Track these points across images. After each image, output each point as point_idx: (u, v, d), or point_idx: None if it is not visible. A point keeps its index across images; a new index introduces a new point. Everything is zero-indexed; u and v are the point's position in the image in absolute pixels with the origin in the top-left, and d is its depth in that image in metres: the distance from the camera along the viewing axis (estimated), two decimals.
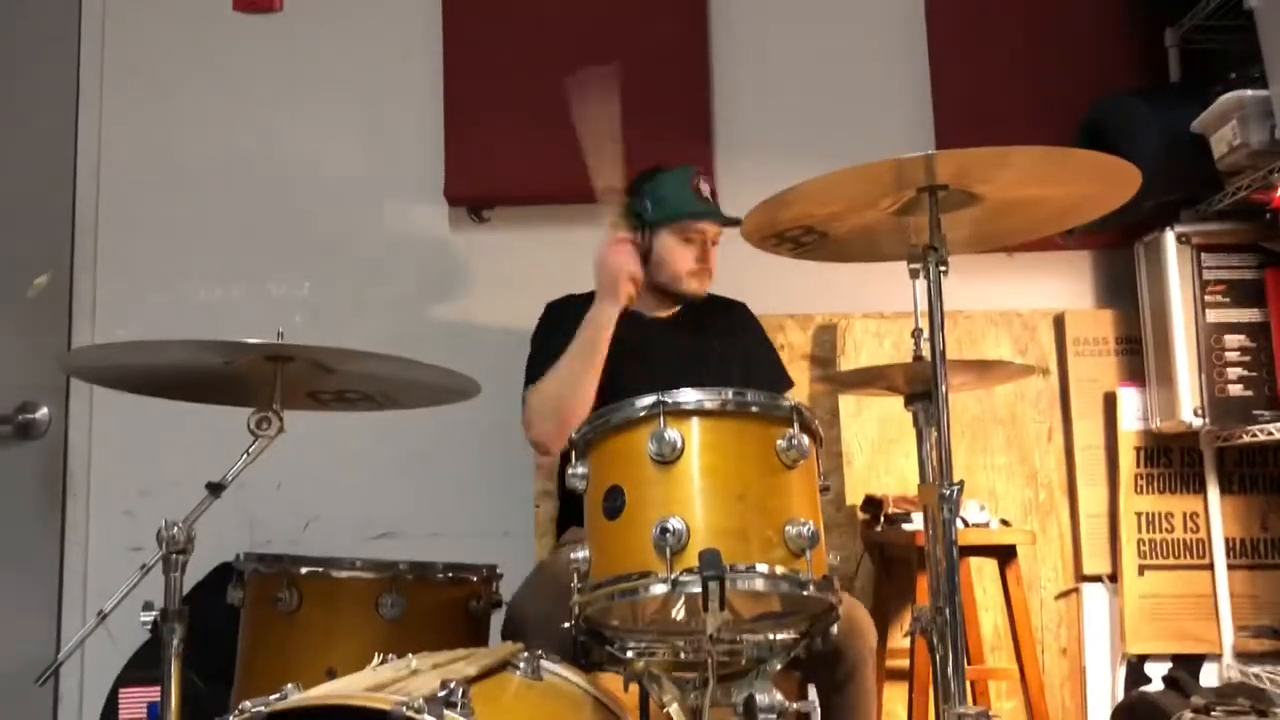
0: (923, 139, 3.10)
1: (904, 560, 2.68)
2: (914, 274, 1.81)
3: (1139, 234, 2.95)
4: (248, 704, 1.34)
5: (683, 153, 3.00)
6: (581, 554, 1.59)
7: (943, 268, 1.77)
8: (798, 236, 1.92)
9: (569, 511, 2.51)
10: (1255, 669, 2.73)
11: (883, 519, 2.70)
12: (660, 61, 3.14)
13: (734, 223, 2.42)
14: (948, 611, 1.69)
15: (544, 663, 1.65)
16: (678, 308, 2.57)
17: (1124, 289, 3.06)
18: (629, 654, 1.61)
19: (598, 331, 2.31)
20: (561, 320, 2.48)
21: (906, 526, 2.62)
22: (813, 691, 1.55)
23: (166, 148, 3.20)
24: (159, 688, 1.68)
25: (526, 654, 1.64)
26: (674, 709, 1.58)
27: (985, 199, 1.79)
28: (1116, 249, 3.09)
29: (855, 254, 2.03)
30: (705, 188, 2.48)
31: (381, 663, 1.60)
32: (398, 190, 3.20)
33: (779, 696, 1.51)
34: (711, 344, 2.52)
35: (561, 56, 3.14)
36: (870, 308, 3.06)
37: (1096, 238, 3.06)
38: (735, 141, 3.17)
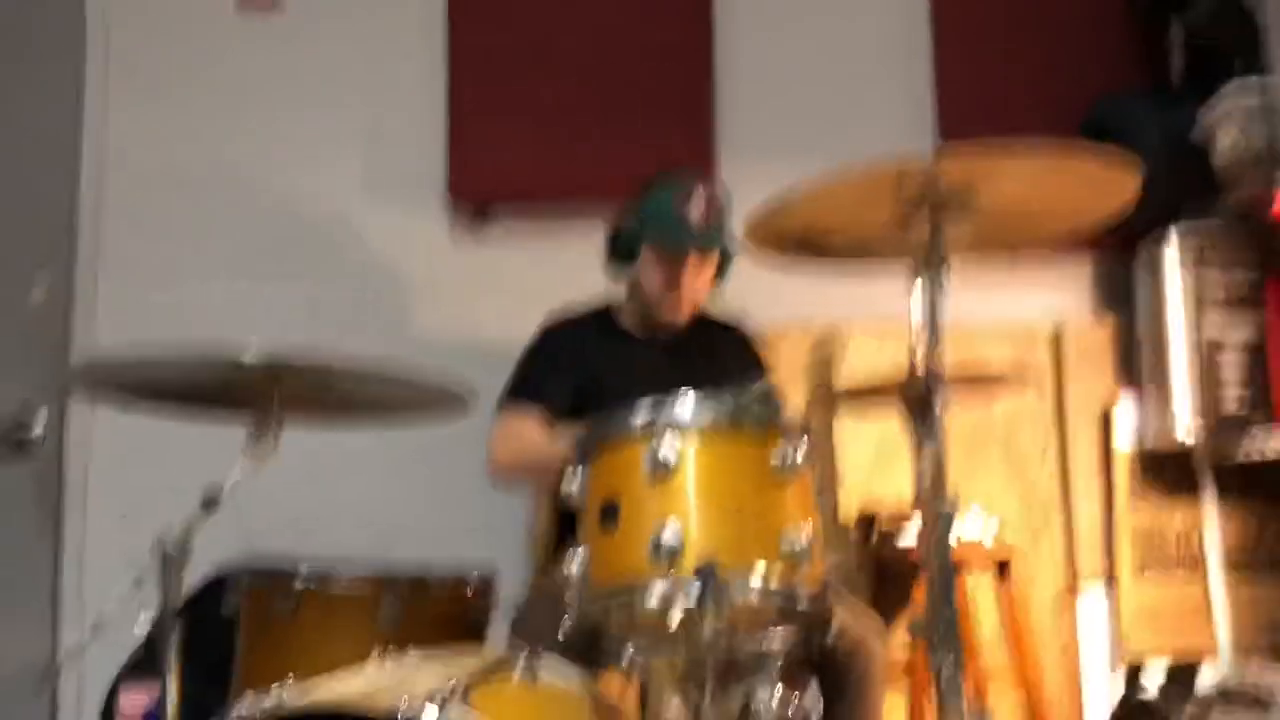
0: (925, 140, 3.10)
1: (899, 576, 2.66)
2: (913, 285, 1.80)
3: (1138, 242, 2.94)
4: (246, 703, 1.34)
5: (685, 152, 3.02)
6: (577, 567, 1.59)
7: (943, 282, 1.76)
8: (794, 242, 1.91)
9: (564, 521, 2.51)
10: (1252, 674, 2.72)
11: (875, 536, 2.69)
12: (663, 61, 3.15)
13: (712, 249, 2.38)
14: (941, 629, 1.69)
15: (543, 664, 1.65)
16: (675, 331, 2.54)
17: (1122, 299, 3.06)
18: (628, 655, 1.62)
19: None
20: (551, 347, 2.49)
21: (899, 543, 2.61)
22: (813, 691, 1.56)
23: (168, 149, 3.19)
24: (156, 695, 1.68)
25: (525, 655, 1.64)
26: (672, 710, 1.59)
27: (986, 204, 1.77)
28: (1115, 257, 3.09)
29: (852, 255, 2.02)
30: (697, 209, 2.31)
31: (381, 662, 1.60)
32: (400, 190, 3.20)
33: (779, 697, 1.52)
34: (700, 369, 2.48)
35: (565, 56, 3.15)
36: (869, 317, 3.04)
37: (1095, 244, 3.05)
38: (738, 142, 3.17)
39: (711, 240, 2.36)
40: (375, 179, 3.21)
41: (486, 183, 3.14)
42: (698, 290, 2.44)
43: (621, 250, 2.46)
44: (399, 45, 3.24)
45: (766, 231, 1.86)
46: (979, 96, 3.11)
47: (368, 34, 3.25)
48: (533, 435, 2.34)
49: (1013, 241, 2.05)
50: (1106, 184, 1.79)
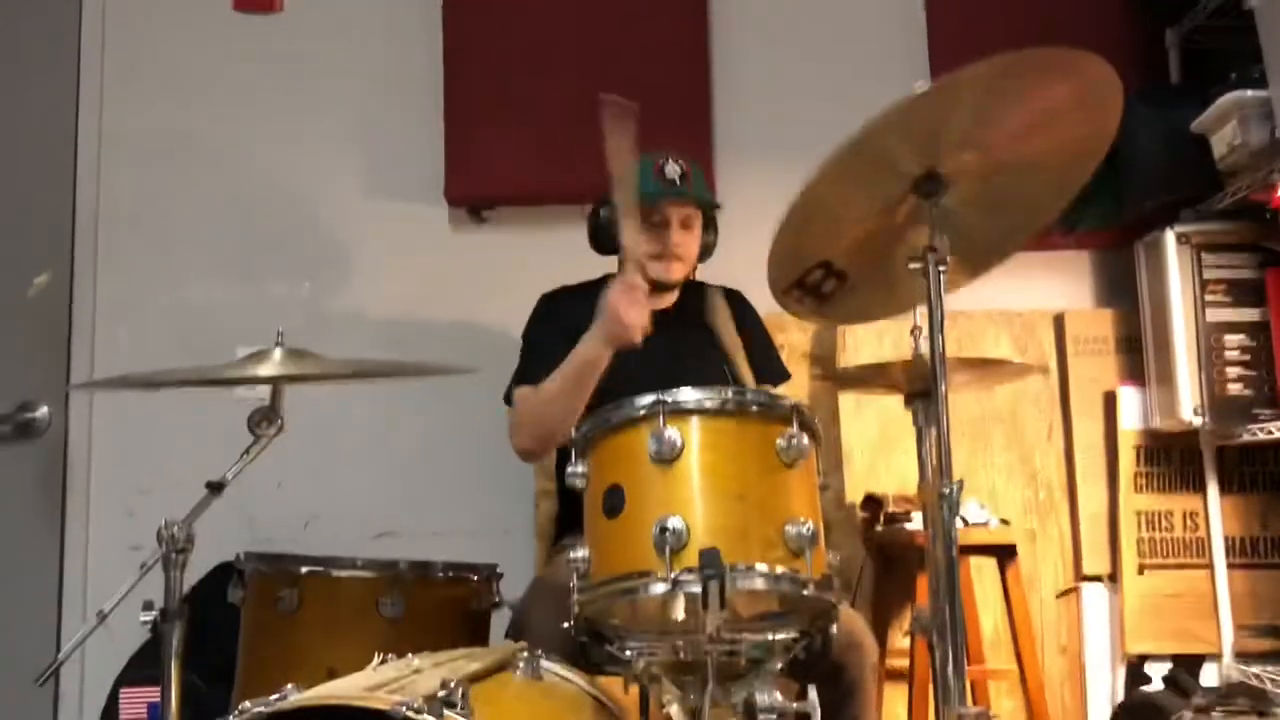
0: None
1: (904, 560, 2.68)
2: (914, 274, 1.81)
3: (1139, 233, 2.96)
4: (248, 704, 1.35)
5: (681, 152, 3.01)
6: (581, 553, 1.58)
7: (942, 267, 1.77)
8: (819, 282, 1.89)
9: (568, 511, 2.51)
10: (1255, 669, 2.73)
11: (883, 518, 2.70)
12: (660, 62, 3.15)
13: (694, 201, 2.43)
14: (947, 611, 1.69)
15: (544, 663, 1.65)
16: (670, 301, 2.55)
17: (1124, 289, 3.06)
18: (629, 654, 1.61)
19: (587, 368, 2.22)
20: (553, 317, 2.49)
21: (907, 526, 2.62)
22: (813, 692, 1.55)
23: (166, 147, 3.20)
24: (159, 687, 1.68)
25: (526, 654, 1.64)
26: (674, 709, 1.58)
27: (982, 180, 1.78)
28: (1116, 248, 3.10)
29: (875, 308, 2.01)
30: (673, 169, 2.39)
31: (382, 662, 1.60)
32: (398, 190, 3.20)
33: (779, 697, 1.51)
34: (703, 336, 2.50)
35: (561, 57, 3.15)
36: None
37: (1096, 237, 3.07)
38: (735, 142, 3.17)
39: (688, 192, 2.41)
40: (373, 179, 3.21)
41: (482, 184, 3.15)
42: (686, 248, 2.46)
43: (606, 234, 2.49)
44: (396, 45, 3.24)
45: (782, 270, 1.85)
46: None
47: (364, 32, 3.25)
48: (551, 408, 2.31)
49: (1019, 230, 2.03)
50: (1085, 96, 1.78)
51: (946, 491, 1.69)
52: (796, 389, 2.86)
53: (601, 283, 2.56)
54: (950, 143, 1.73)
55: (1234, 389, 2.78)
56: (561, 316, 2.47)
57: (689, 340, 2.47)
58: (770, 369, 2.57)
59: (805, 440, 1.59)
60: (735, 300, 2.62)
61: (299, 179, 3.20)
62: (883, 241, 1.83)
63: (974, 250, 1.91)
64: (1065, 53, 1.71)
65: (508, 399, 2.46)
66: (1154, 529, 2.92)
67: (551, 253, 3.05)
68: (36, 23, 3.09)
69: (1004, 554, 2.64)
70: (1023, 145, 1.79)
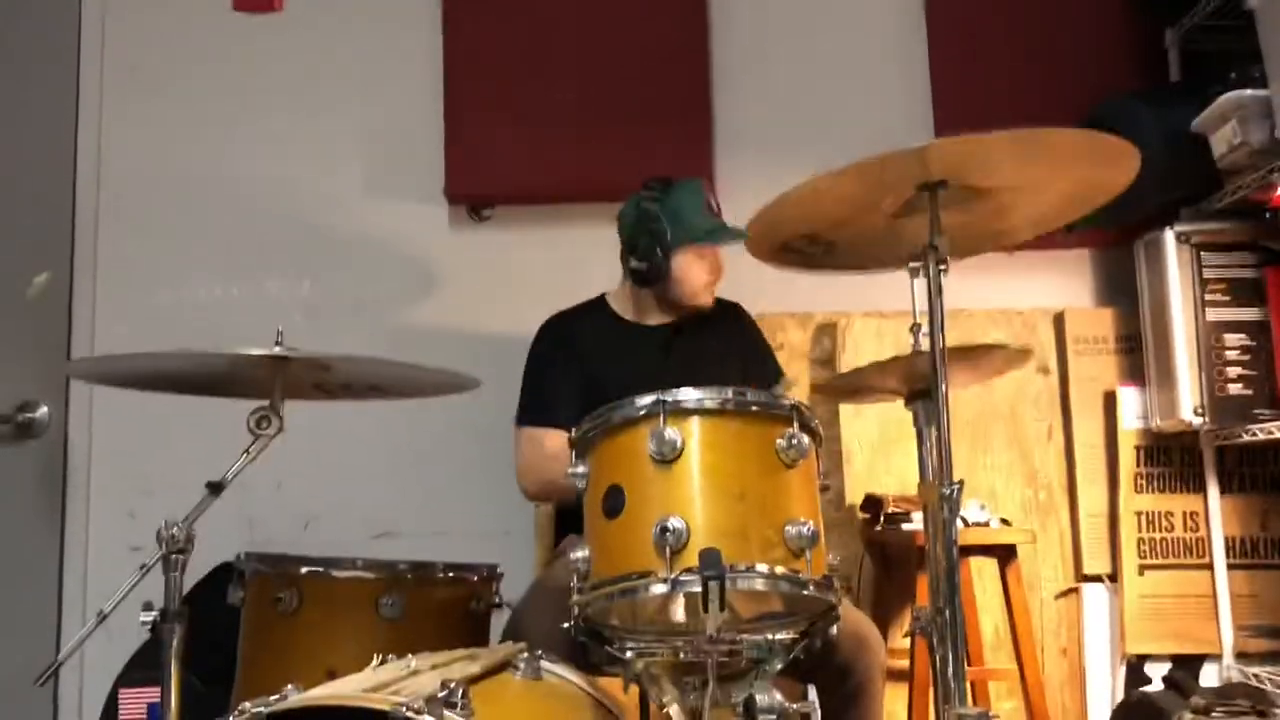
0: (923, 140, 3.09)
1: (904, 560, 2.68)
2: (914, 273, 1.81)
3: (1139, 232, 2.96)
4: (247, 705, 1.35)
5: (682, 153, 3.02)
6: (581, 553, 1.58)
7: (942, 266, 1.77)
8: (802, 247, 1.92)
9: (568, 511, 2.51)
10: (1255, 669, 2.73)
11: (883, 518, 2.70)
12: (660, 61, 3.15)
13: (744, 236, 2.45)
14: (948, 612, 1.69)
15: (544, 663, 1.65)
16: (675, 316, 2.56)
17: (1124, 287, 3.06)
18: (629, 655, 1.61)
19: None
20: (556, 348, 2.51)
21: (906, 526, 2.62)
22: (812, 692, 1.55)
23: (167, 147, 3.20)
24: (159, 688, 1.68)
25: (526, 654, 1.64)
26: (674, 710, 1.58)
27: (985, 194, 1.78)
28: (1116, 247, 3.10)
29: (860, 261, 2.02)
30: (714, 202, 2.47)
31: (381, 663, 1.60)
32: (398, 189, 3.20)
33: (779, 697, 1.51)
34: (707, 348, 2.52)
35: (561, 57, 3.16)
36: (870, 306, 3.06)
37: (1096, 236, 3.07)
38: (735, 142, 3.17)
39: (739, 232, 2.41)
40: (373, 179, 3.21)
41: (483, 183, 3.14)
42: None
43: (652, 254, 2.44)
44: (396, 44, 3.24)
45: (767, 236, 1.87)
46: (976, 96, 3.11)
47: (364, 32, 3.25)
48: (558, 466, 2.31)
49: (1015, 235, 2.05)
50: (1099, 166, 1.80)
51: (947, 492, 1.69)
52: (797, 388, 2.88)
53: (600, 302, 2.58)
54: (958, 170, 1.73)
55: (1234, 389, 2.79)
56: (563, 343, 2.49)
57: (688, 353, 2.48)
58: (772, 382, 2.63)
59: (805, 440, 1.59)
60: (734, 314, 2.63)
61: (299, 178, 3.20)
62: (870, 218, 1.84)
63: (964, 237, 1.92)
64: (1096, 139, 1.71)
65: (519, 421, 2.48)
66: (1154, 529, 2.93)
67: (552, 251, 3.07)
68: (36, 23, 3.08)
69: (1004, 554, 2.64)
70: (1031, 183, 1.80)
